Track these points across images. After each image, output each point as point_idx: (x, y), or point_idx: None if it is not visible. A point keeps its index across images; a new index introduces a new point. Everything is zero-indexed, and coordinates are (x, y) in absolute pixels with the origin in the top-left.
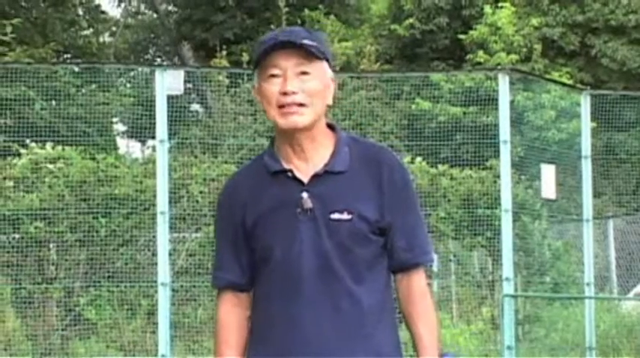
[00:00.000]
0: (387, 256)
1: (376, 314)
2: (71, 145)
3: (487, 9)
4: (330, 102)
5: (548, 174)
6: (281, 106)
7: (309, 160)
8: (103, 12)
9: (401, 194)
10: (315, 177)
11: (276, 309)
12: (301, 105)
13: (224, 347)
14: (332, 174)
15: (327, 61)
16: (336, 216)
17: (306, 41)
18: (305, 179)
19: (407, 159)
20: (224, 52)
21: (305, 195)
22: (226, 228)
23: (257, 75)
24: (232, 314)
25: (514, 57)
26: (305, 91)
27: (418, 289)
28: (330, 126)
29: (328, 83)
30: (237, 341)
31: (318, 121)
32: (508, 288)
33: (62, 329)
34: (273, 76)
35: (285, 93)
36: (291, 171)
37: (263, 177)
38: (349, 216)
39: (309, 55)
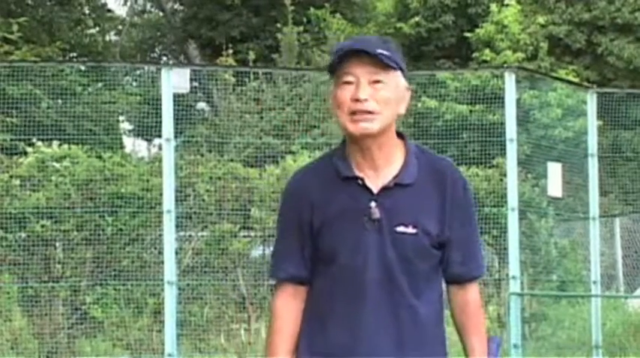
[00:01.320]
0: (441, 268)
1: (431, 325)
2: (77, 144)
3: (493, 7)
4: (402, 111)
5: (554, 172)
6: (352, 113)
7: (379, 169)
8: (109, 11)
9: (461, 209)
10: (385, 189)
11: (339, 308)
12: (371, 112)
13: (278, 337)
14: (401, 187)
15: (402, 70)
16: (401, 228)
17: (380, 50)
18: (375, 189)
19: None
20: (230, 51)
21: (373, 204)
22: (292, 221)
23: (332, 81)
24: (289, 305)
25: (520, 55)
26: (376, 99)
27: (473, 302)
28: (400, 136)
29: (401, 93)
30: (291, 332)
31: (387, 130)
32: (514, 286)
33: (68, 328)
34: (346, 82)
35: (357, 100)
36: (362, 179)
37: (333, 180)
38: (414, 231)
39: (383, 64)
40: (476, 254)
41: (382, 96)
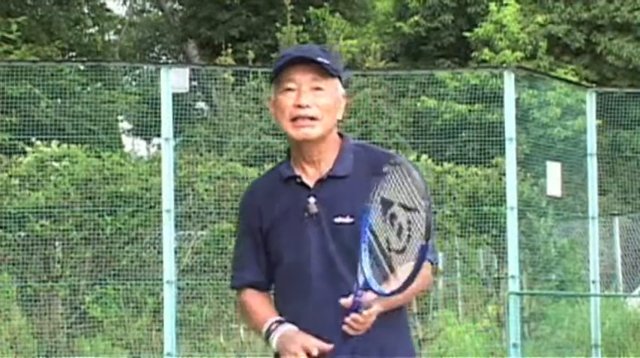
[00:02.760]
0: None
1: (381, 315)
2: (77, 143)
3: (492, 6)
4: (339, 117)
5: (553, 171)
6: (294, 119)
7: (318, 167)
8: (108, 10)
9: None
10: (320, 181)
11: (289, 307)
12: (313, 118)
13: (261, 310)
14: (335, 179)
15: (340, 78)
16: (339, 219)
17: (320, 59)
18: (311, 184)
19: (412, 156)
20: (229, 50)
21: (312, 200)
22: (245, 231)
23: (273, 88)
24: (256, 295)
25: (519, 54)
26: (317, 106)
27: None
28: (340, 135)
29: (339, 100)
30: (266, 303)
31: (327, 134)
32: (514, 286)
33: (68, 327)
34: (288, 89)
35: (299, 106)
36: (299, 176)
37: (277, 184)
38: (351, 220)
39: (324, 72)
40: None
41: (323, 103)
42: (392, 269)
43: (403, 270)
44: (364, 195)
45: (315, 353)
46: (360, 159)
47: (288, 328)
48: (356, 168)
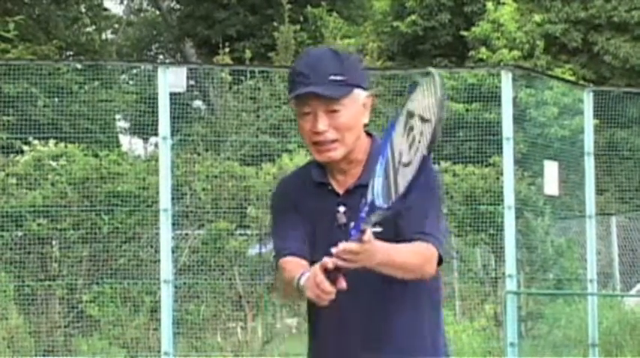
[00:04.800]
0: None
1: (405, 322)
2: (74, 142)
3: (489, 5)
4: (366, 121)
5: (551, 170)
6: (315, 143)
7: (348, 174)
8: (105, 9)
9: (420, 190)
10: (347, 191)
11: (325, 312)
12: (333, 141)
13: (296, 269)
14: (363, 188)
15: (359, 86)
16: (378, 229)
17: (332, 77)
18: (341, 192)
19: None
20: (227, 49)
21: (342, 209)
22: (283, 213)
23: (295, 109)
24: (297, 260)
25: (516, 53)
26: (336, 128)
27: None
28: (369, 134)
29: (360, 109)
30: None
31: (353, 148)
32: (511, 285)
33: (65, 326)
34: (305, 113)
35: (316, 133)
36: (330, 184)
37: (308, 185)
38: (380, 229)
39: (336, 97)
40: (430, 225)
41: (340, 124)
42: (396, 185)
43: (404, 185)
44: None
45: (330, 265)
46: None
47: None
48: None
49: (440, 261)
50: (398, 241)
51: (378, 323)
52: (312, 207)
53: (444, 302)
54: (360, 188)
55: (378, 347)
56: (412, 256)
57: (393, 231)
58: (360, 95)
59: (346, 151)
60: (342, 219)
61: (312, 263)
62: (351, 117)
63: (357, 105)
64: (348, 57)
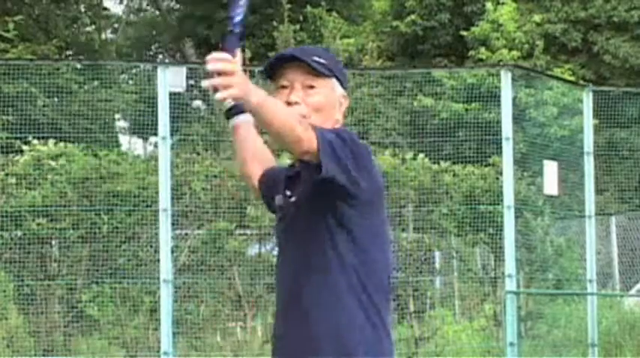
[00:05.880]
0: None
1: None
2: (73, 142)
3: (489, 5)
4: (338, 117)
5: (550, 170)
6: None
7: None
8: (105, 9)
9: None
10: (291, 168)
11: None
12: (302, 116)
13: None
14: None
15: (338, 79)
16: (293, 199)
17: (315, 58)
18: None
19: (409, 155)
20: None
21: (287, 192)
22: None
23: (271, 87)
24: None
25: (516, 53)
26: (307, 103)
27: None
28: None
29: (336, 99)
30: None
31: None
32: (510, 285)
33: (64, 326)
34: (282, 87)
35: (288, 103)
36: (292, 165)
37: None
38: (294, 199)
39: (316, 71)
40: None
41: (313, 102)
42: None
43: None
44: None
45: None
46: None
47: None
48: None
49: (318, 151)
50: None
51: (296, 302)
52: (279, 181)
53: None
54: (297, 170)
55: (294, 324)
56: (289, 115)
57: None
58: (337, 87)
59: None
60: (280, 201)
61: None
62: (325, 101)
63: (332, 94)
64: (332, 53)
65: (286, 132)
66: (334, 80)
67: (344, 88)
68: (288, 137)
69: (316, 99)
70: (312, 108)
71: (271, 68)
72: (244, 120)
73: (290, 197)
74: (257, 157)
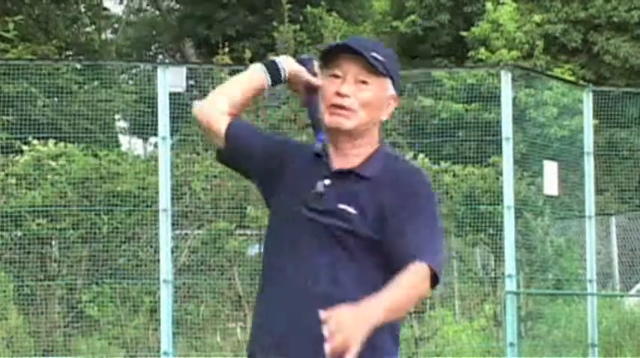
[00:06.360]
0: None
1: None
2: (73, 142)
3: (489, 5)
4: (384, 117)
5: (550, 170)
6: (332, 105)
7: (346, 162)
8: (105, 9)
9: (408, 203)
10: (341, 172)
11: (272, 261)
12: (349, 109)
13: None
14: (356, 176)
15: (392, 79)
16: (343, 206)
17: (374, 54)
18: (333, 168)
19: (409, 155)
20: (226, 49)
21: (327, 182)
22: (266, 135)
23: (323, 72)
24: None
25: (516, 53)
26: (357, 98)
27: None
28: (380, 141)
29: (385, 100)
30: None
31: (362, 131)
32: (510, 285)
33: (64, 327)
34: (335, 76)
35: (338, 94)
36: (327, 156)
37: (307, 151)
38: (355, 212)
39: (373, 67)
40: (425, 241)
41: (363, 97)
42: None
43: None
44: (378, 202)
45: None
46: (389, 168)
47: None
48: (381, 175)
49: (436, 278)
50: (378, 242)
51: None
52: (299, 168)
53: (443, 302)
54: (355, 176)
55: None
56: (407, 295)
57: (379, 232)
58: (389, 88)
59: (355, 126)
60: (321, 188)
61: (277, 210)
62: (375, 99)
63: (383, 94)
64: (392, 51)
65: (416, 300)
66: (388, 80)
67: (396, 89)
68: (419, 300)
69: (366, 95)
70: (360, 103)
71: (327, 54)
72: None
73: (343, 203)
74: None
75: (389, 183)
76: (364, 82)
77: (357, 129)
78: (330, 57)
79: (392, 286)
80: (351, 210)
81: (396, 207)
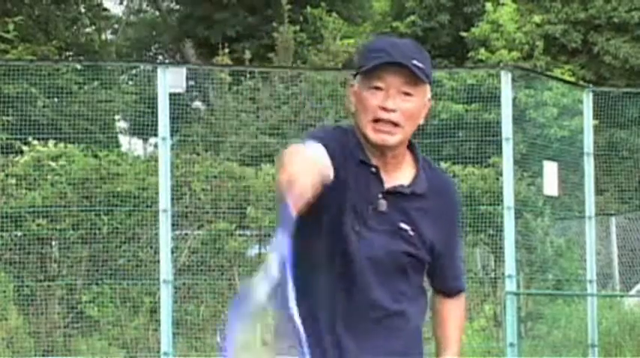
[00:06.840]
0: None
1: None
2: (73, 143)
3: (489, 6)
4: (421, 121)
5: (550, 171)
6: (376, 120)
7: (389, 172)
8: (105, 9)
9: (455, 227)
10: (398, 192)
11: (319, 279)
12: (395, 124)
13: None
14: (414, 196)
15: (430, 83)
16: (403, 225)
17: (415, 62)
18: (387, 184)
19: None
20: (226, 50)
21: (384, 201)
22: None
23: (359, 78)
24: None
25: (516, 54)
26: (403, 112)
27: (462, 313)
28: (410, 144)
29: (425, 105)
30: None
31: (406, 141)
32: (510, 286)
33: (64, 327)
34: (376, 87)
35: (384, 109)
36: (377, 168)
37: (350, 155)
38: (413, 233)
39: (416, 77)
40: (462, 269)
41: (407, 109)
42: None
43: None
44: (430, 222)
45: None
46: (433, 181)
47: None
48: (429, 190)
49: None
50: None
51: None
52: (352, 178)
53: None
54: (407, 193)
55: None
56: (462, 326)
57: (427, 252)
58: (427, 92)
59: (400, 141)
60: (383, 207)
61: (335, 229)
62: (417, 108)
63: (423, 101)
64: (424, 50)
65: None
66: (428, 86)
67: (431, 90)
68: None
69: (410, 107)
70: (405, 116)
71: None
72: None
73: (404, 222)
74: None
75: (436, 198)
76: (408, 94)
77: (401, 142)
78: (371, 66)
79: (455, 330)
80: (409, 230)
81: (447, 231)
